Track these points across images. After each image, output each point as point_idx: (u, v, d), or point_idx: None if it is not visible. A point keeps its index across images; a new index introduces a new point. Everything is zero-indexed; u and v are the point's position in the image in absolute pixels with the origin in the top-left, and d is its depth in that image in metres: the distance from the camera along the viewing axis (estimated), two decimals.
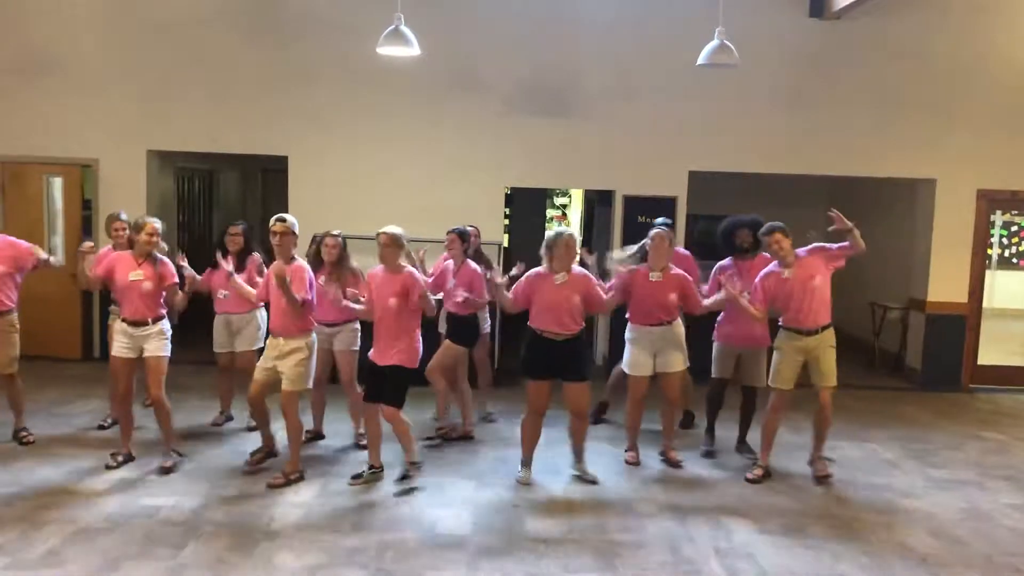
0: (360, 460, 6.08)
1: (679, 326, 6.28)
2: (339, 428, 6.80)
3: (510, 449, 6.55)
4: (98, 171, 9.05)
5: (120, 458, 5.93)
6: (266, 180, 12.87)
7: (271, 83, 8.91)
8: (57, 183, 9.20)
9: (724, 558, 4.82)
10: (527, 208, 13.14)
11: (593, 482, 5.87)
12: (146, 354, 5.87)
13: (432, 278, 6.75)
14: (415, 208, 8.66)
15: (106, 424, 6.77)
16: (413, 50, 6.84)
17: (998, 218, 9.39)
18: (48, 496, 5.36)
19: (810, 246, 6.09)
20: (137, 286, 5.79)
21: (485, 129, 8.98)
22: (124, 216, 6.68)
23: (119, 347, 5.88)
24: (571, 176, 9.60)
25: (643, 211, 8.97)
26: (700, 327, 6.61)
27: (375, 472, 5.82)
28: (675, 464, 6.34)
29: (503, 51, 8.92)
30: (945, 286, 9.16)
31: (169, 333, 5.99)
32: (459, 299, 6.44)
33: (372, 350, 5.71)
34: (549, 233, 5.84)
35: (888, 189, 9.94)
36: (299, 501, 5.43)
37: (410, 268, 5.75)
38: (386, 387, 5.65)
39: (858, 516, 5.53)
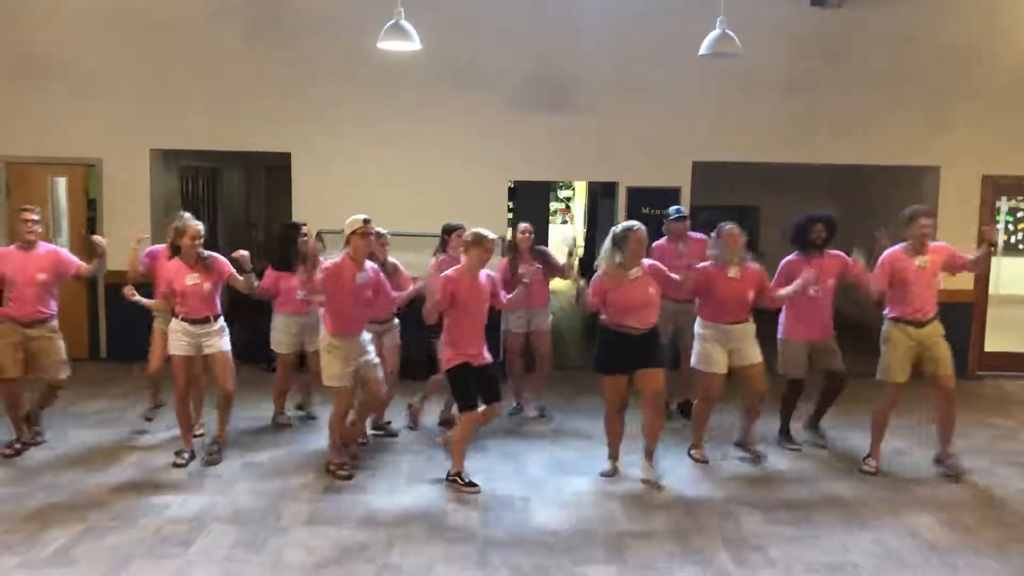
0: (375, 452, 6.08)
1: (753, 324, 6.20)
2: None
3: (517, 443, 6.57)
4: (102, 171, 9.05)
5: (187, 455, 5.99)
6: (270, 178, 12.87)
7: (273, 81, 8.90)
8: (61, 183, 9.20)
9: (733, 549, 4.81)
10: (531, 201, 13.14)
11: (658, 487, 5.73)
12: (212, 351, 5.95)
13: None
14: (418, 203, 8.67)
15: (151, 417, 6.84)
16: (414, 45, 6.84)
17: (1004, 204, 9.34)
18: (56, 495, 5.38)
19: (938, 244, 6.09)
20: (198, 290, 5.85)
21: (487, 123, 8.96)
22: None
23: (180, 345, 5.90)
24: (574, 169, 9.58)
25: (647, 202, 8.96)
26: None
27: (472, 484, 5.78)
28: (757, 457, 6.24)
29: (504, 44, 8.89)
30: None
31: (227, 328, 6.07)
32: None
33: (467, 351, 5.55)
34: (617, 228, 5.72)
35: (892, 177, 9.90)
36: (306, 497, 5.44)
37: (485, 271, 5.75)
38: (492, 385, 5.67)
39: (867, 504, 5.52)
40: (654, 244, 7.13)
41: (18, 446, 6.13)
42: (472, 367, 5.58)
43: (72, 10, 8.91)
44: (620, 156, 9.02)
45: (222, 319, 6.06)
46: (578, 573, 4.48)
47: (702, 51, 6.87)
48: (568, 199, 15.62)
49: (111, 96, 8.92)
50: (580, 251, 6.04)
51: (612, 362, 5.75)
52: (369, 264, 5.82)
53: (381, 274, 5.92)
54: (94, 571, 4.37)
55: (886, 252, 6.07)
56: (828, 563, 4.66)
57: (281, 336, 6.78)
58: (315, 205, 8.72)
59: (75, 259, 6.34)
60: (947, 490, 5.80)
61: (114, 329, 9.09)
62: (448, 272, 5.63)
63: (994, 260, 9.42)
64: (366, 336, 5.91)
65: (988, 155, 9.04)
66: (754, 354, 6.13)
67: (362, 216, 5.71)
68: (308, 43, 8.86)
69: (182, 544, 4.71)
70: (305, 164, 8.99)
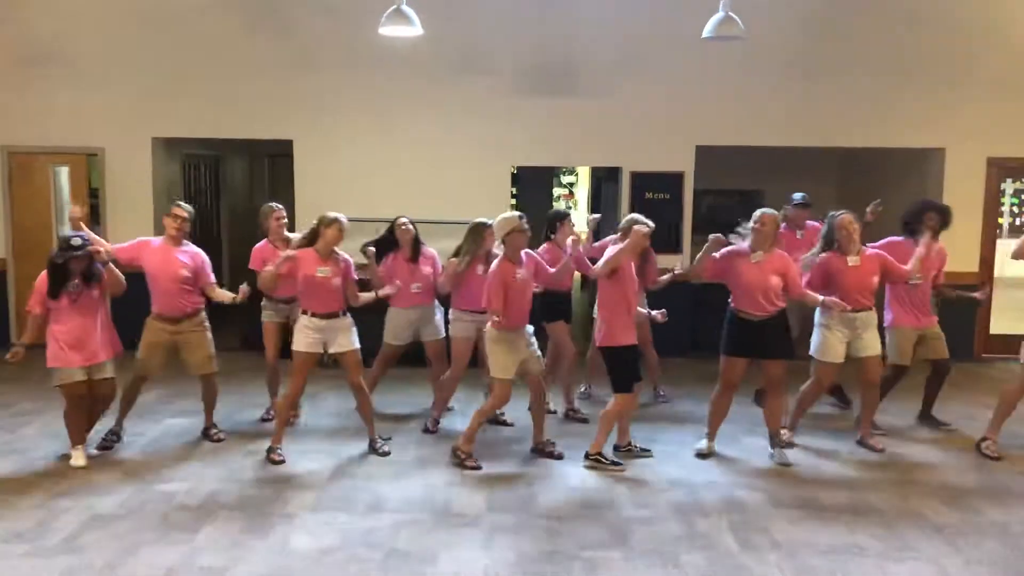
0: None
1: (875, 312, 6.18)
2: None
3: (522, 429, 6.57)
4: (104, 160, 9.05)
5: (281, 451, 5.86)
6: (272, 166, 12.85)
7: (275, 68, 8.88)
8: (64, 172, 9.22)
9: (738, 531, 4.82)
10: (534, 187, 13.11)
11: (786, 465, 5.86)
12: (341, 349, 5.86)
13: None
14: (422, 189, 8.66)
15: (269, 416, 6.73)
16: (415, 30, 6.82)
17: (1008, 186, 9.31)
18: (64, 483, 5.40)
19: None
20: (327, 283, 5.77)
21: (490, 108, 8.94)
22: (279, 205, 6.68)
23: (308, 342, 5.80)
24: (577, 154, 9.56)
25: (650, 187, 8.94)
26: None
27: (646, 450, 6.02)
28: (876, 450, 6.19)
29: (506, 29, 8.86)
30: (956, 256, 9.05)
31: (354, 324, 6.03)
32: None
33: (628, 332, 5.68)
34: (756, 212, 5.83)
35: (897, 160, 9.86)
36: (313, 483, 5.46)
37: None
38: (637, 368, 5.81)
39: (872, 487, 5.52)
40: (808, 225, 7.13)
41: (114, 438, 6.11)
42: (633, 348, 5.75)
43: (72, 0, 8.88)
44: (623, 141, 9.00)
45: (350, 315, 5.98)
46: (583, 557, 4.48)
47: (705, 34, 6.84)
48: (572, 184, 15.58)
49: (113, 85, 8.91)
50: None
51: (731, 344, 5.88)
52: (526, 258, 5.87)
53: (536, 266, 5.95)
54: (102, 558, 4.39)
55: None
56: (834, 545, 4.66)
57: (395, 328, 6.70)
58: (318, 192, 8.72)
59: (212, 276, 6.21)
60: (952, 473, 5.81)
61: (118, 318, 9.01)
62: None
63: (999, 242, 9.40)
64: (530, 328, 5.91)
65: (993, 137, 9.01)
66: (874, 344, 6.14)
67: (517, 213, 5.81)
68: (309, 30, 8.83)
69: (189, 531, 4.72)
70: (307, 151, 8.98)
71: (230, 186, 12.07)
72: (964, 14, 8.89)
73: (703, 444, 6.10)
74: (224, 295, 6.14)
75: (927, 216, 6.46)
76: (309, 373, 5.95)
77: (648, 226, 5.66)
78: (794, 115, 9.02)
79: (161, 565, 4.33)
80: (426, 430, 6.53)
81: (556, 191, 14.68)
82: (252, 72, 8.89)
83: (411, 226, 6.66)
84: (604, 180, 12.49)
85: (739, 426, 6.63)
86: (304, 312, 5.84)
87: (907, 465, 5.94)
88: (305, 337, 5.80)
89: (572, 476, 5.66)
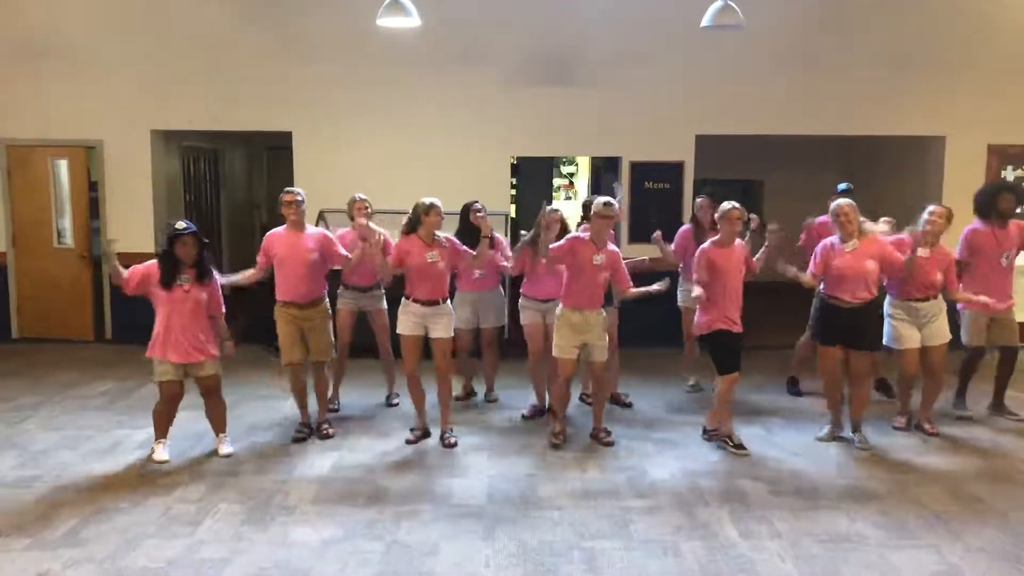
0: (375, 427, 6.09)
1: (943, 301, 6.24)
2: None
3: (521, 421, 6.57)
4: (103, 153, 9.04)
5: (418, 433, 6.07)
6: (272, 158, 12.84)
7: (273, 60, 8.86)
8: (63, 165, 9.21)
9: (739, 522, 4.82)
10: (534, 177, 13.08)
11: (868, 449, 5.94)
12: (435, 335, 5.94)
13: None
14: (421, 180, 8.62)
15: (394, 402, 6.95)
16: (413, 20, 6.80)
17: (1009, 174, 9.30)
18: (66, 477, 5.41)
19: None
20: (434, 268, 5.85)
21: (489, 99, 8.91)
22: (364, 195, 6.58)
23: (409, 325, 5.92)
24: (577, 144, 9.54)
25: (650, 177, 8.93)
26: None
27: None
28: (932, 434, 6.27)
29: (505, 20, 8.83)
30: (956, 244, 9.08)
31: (454, 313, 6.12)
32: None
33: (728, 316, 5.77)
34: (832, 204, 5.91)
35: (898, 147, 9.84)
36: (314, 475, 5.47)
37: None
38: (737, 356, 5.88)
39: (873, 476, 5.53)
40: (817, 220, 7.04)
41: (305, 431, 6.14)
42: (729, 333, 5.77)
43: None
44: (623, 130, 8.98)
45: (450, 303, 6.04)
46: (584, 548, 4.49)
47: (704, 23, 6.82)
48: (571, 174, 15.55)
49: (111, 78, 8.90)
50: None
51: (823, 332, 6.02)
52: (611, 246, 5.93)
53: (619, 253, 5.99)
54: (104, 551, 4.40)
55: None
56: (834, 534, 4.67)
57: (459, 313, 6.67)
58: (317, 183, 8.67)
59: (342, 249, 6.12)
60: (953, 462, 5.81)
61: (119, 311, 9.11)
62: (703, 245, 5.88)
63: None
64: (601, 315, 5.93)
65: (994, 124, 8.99)
66: (942, 333, 6.21)
67: (604, 199, 5.84)
68: (307, 21, 8.81)
69: (191, 524, 4.73)
70: (306, 142, 8.97)
71: (229, 179, 12.07)
72: (965, 2, 8.85)
73: (825, 431, 6.18)
74: (350, 256, 6.13)
75: (1002, 198, 6.44)
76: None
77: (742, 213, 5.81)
78: (794, 103, 8.99)
79: (162, 558, 4.34)
80: (524, 416, 6.66)
81: (556, 181, 14.63)
82: (251, 64, 8.87)
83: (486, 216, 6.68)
84: (604, 170, 12.46)
85: (737, 417, 6.63)
86: (407, 297, 5.93)
87: (907, 454, 5.94)
88: (407, 320, 5.94)
89: (572, 467, 5.66)
